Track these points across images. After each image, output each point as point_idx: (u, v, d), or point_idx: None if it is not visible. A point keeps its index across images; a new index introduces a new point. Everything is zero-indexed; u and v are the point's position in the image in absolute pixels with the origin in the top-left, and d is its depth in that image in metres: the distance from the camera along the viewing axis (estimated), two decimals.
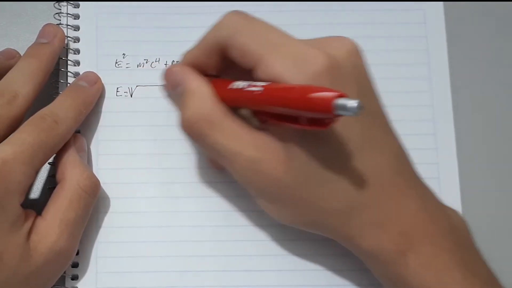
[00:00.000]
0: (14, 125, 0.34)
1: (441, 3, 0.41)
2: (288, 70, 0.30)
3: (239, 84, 0.32)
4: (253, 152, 0.32)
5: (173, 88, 0.35)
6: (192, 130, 0.33)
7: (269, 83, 0.30)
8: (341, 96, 0.26)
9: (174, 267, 0.37)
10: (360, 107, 0.26)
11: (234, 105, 0.33)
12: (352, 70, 0.31)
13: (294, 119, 0.29)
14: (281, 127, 0.31)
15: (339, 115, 0.27)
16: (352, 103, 0.26)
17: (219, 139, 0.32)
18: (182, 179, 0.38)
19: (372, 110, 0.32)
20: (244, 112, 0.33)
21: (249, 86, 0.31)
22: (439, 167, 0.39)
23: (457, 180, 0.39)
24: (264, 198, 0.33)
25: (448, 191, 0.38)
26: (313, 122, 0.29)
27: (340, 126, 0.30)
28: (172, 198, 0.38)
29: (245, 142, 0.32)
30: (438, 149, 0.39)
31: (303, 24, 0.40)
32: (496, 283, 0.33)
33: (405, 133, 0.39)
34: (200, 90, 0.33)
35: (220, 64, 0.34)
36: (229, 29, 0.32)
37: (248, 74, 0.32)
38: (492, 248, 0.38)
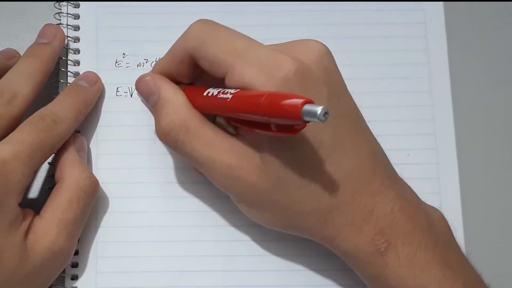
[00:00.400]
0: (13, 125, 0.34)
1: (441, 3, 0.41)
2: (257, 78, 0.30)
3: (211, 91, 0.32)
4: (229, 159, 0.32)
5: (147, 96, 0.35)
6: (169, 139, 0.33)
7: (237, 90, 0.30)
8: (308, 102, 0.26)
9: (173, 267, 0.37)
10: (325, 113, 0.25)
11: (207, 112, 0.33)
12: (321, 73, 0.31)
13: (264, 126, 0.29)
14: (255, 133, 0.31)
15: (307, 121, 0.26)
16: (318, 109, 0.25)
17: (196, 146, 0.32)
18: (181, 179, 0.38)
19: (345, 111, 0.32)
20: (220, 119, 0.33)
21: (219, 93, 0.31)
22: (439, 167, 0.39)
23: (457, 180, 0.39)
24: (244, 203, 0.34)
25: (448, 191, 0.38)
26: (283, 128, 0.28)
27: (312, 130, 0.30)
28: (171, 198, 0.38)
29: (222, 149, 0.32)
30: (438, 149, 0.39)
31: (304, 24, 0.40)
32: (479, 280, 0.33)
33: (405, 133, 0.39)
34: (175, 98, 0.33)
35: (192, 72, 0.34)
36: (195, 40, 0.32)
37: (221, 80, 0.32)
38: (492, 248, 0.38)
